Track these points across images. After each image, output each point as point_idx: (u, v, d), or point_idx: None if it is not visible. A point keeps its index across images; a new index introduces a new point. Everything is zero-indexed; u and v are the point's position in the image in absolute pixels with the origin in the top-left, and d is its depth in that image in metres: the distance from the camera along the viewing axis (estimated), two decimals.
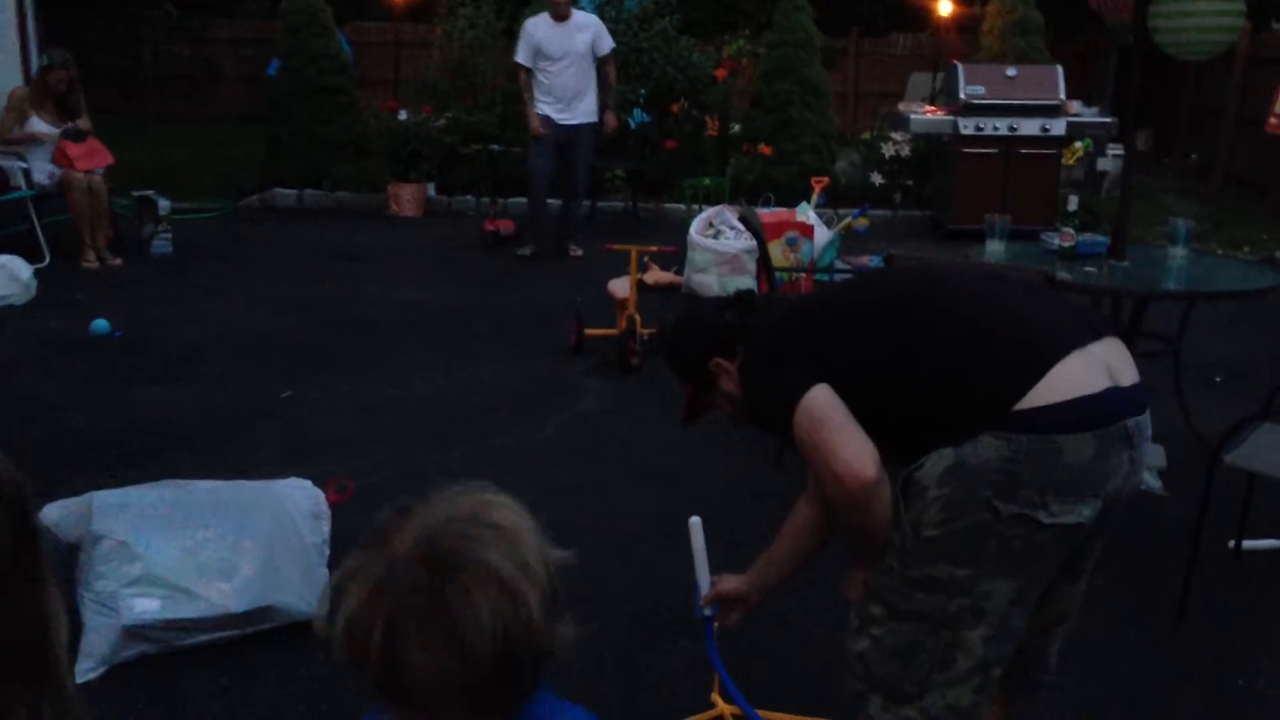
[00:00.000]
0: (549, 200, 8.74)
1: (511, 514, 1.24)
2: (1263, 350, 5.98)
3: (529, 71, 8.36)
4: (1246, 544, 3.89)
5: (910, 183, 10.62)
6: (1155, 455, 4.66)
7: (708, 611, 2.86)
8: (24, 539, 1.14)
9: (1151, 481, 4.28)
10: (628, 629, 3.45)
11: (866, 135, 11.56)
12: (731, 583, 2.62)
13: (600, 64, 8.48)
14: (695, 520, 2.86)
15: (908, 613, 2.20)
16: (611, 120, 8.58)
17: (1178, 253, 4.57)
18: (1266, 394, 3.86)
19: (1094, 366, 2.09)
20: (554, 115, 8.33)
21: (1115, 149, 11.88)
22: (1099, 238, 4.67)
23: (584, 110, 8.40)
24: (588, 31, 8.36)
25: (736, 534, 3.86)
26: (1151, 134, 15.37)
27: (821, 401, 2.15)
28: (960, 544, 2.11)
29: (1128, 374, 2.16)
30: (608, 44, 8.49)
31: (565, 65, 8.25)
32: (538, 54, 8.27)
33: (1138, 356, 4.68)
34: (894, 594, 2.21)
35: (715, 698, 2.99)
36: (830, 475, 2.11)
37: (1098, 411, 2.06)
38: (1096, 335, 2.15)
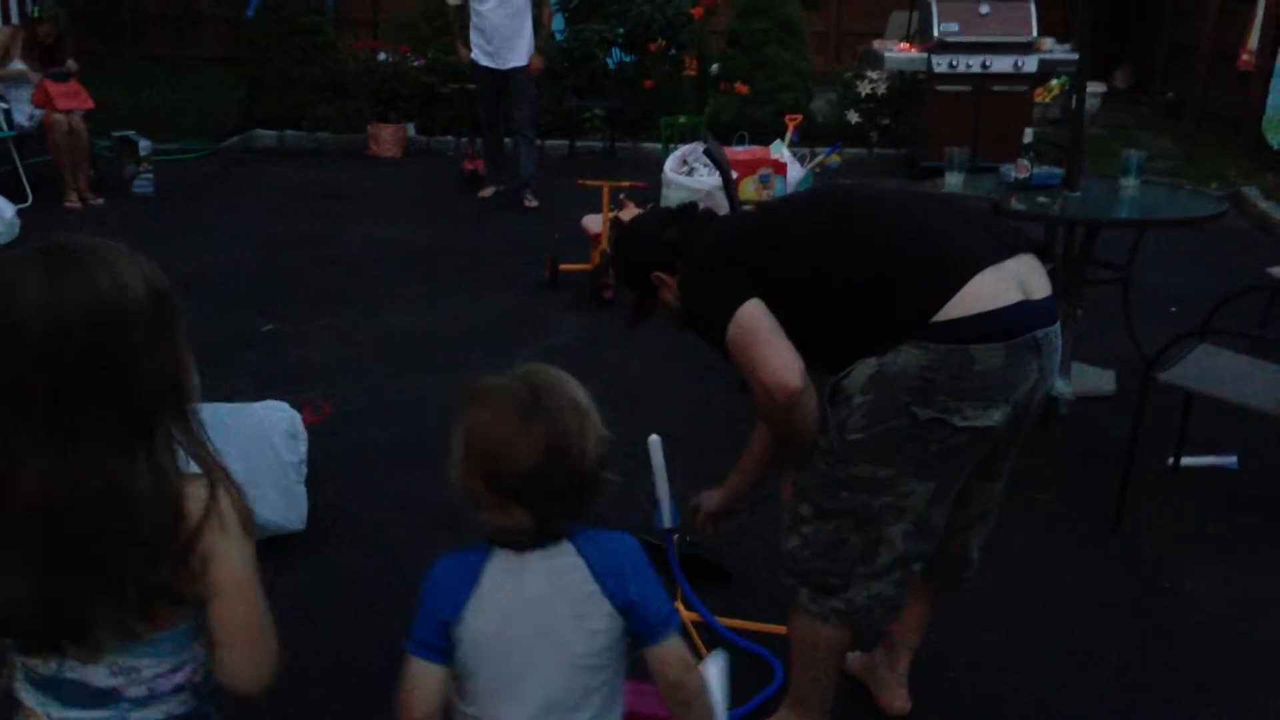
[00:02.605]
0: (506, 141, 8.81)
1: (577, 384, 1.68)
2: (1219, 284, 6.12)
3: (458, 9, 8.38)
4: (1184, 460, 4.08)
5: (886, 121, 10.69)
6: (1105, 379, 4.85)
7: (668, 524, 3.03)
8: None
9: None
10: None
11: (847, 75, 11.62)
12: (714, 498, 2.92)
13: (536, 5, 8.45)
14: (654, 439, 3.02)
15: (834, 510, 2.37)
16: (537, 63, 8.46)
17: (1129, 183, 4.70)
18: (1204, 314, 4.02)
19: (1007, 281, 2.24)
20: (487, 59, 8.29)
21: (1092, 86, 11.97)
22: (1055, 170, 4.80)
23: (518, 54, 8.32)
24: None
25: (705, 454, 4.04)
26: (1131, 71, 15.41)
27: (751, 316, 2.29)
28: (882, 446, 2.27)
29: (1039, 288, 2.31)
30: None
31: (495, 5, 8.14)
32: None
33: (1090, 284, 4.87)
34: (821, 493, 2.38)
35: (678, 605, 3.15)
36: (759, 386, 2.27)
37: (1008, 323, 2.21)
38: (1010, 251, 2.30)
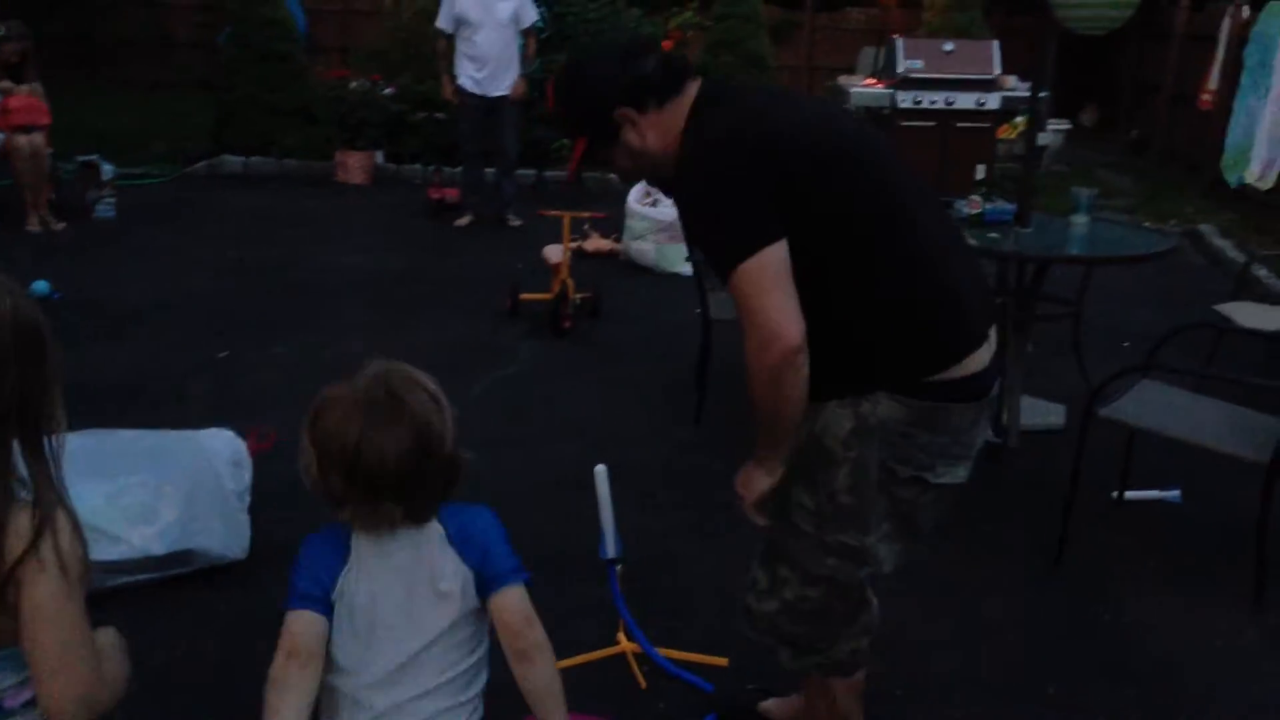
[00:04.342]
0: (487, 171, 8.85)
1: (419, 371, 1.75)
2: (1173, 319, 6.18)
3: (448, 39, 8.47)
4: (1128, 494, 4.11)
5: None
6: (1054, 413, 4.89)
7: (611, 553, 3.04)
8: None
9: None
10: (531, 569, 3.60)
11: None
12: (759, 478, 2.31)
13: (522, 34, 8.57)
14: (600, 468, 3.03)
15: (819, 578, 2.31)
16: (519, 88, 8.57)
17: (1079, 220, 4.75)
18: (1147, 351, 4.06)
19: (990, 349, 2.25)
20: (475, 86, 8.40)
21: (1056, 124, 12.11)
22: (1006, 205, 4.84)
23: (508, 81, 8.46)
24: (511, 1, 8.44)
25: (655, 485, 4.04)
26: (1096, 109, 15.63)
27: (773, 261, 2.04)
28: (866, 508, 2.24)
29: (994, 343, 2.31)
30: (530, 16, 8.59)
31: (487, 32, 8.28)
32: (460, 20, 8.35)
33: (1039, 319, 4.90)
34: (808, 557, 2.31)
35: (620, 637, 3.15)
36: (754, 333, 2.06)
37: (983, 385, 2.23)
38: (993, 320, 2.30)
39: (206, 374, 5.29)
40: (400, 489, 1.65)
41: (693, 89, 2.26)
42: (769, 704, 2.90)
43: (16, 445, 1.48)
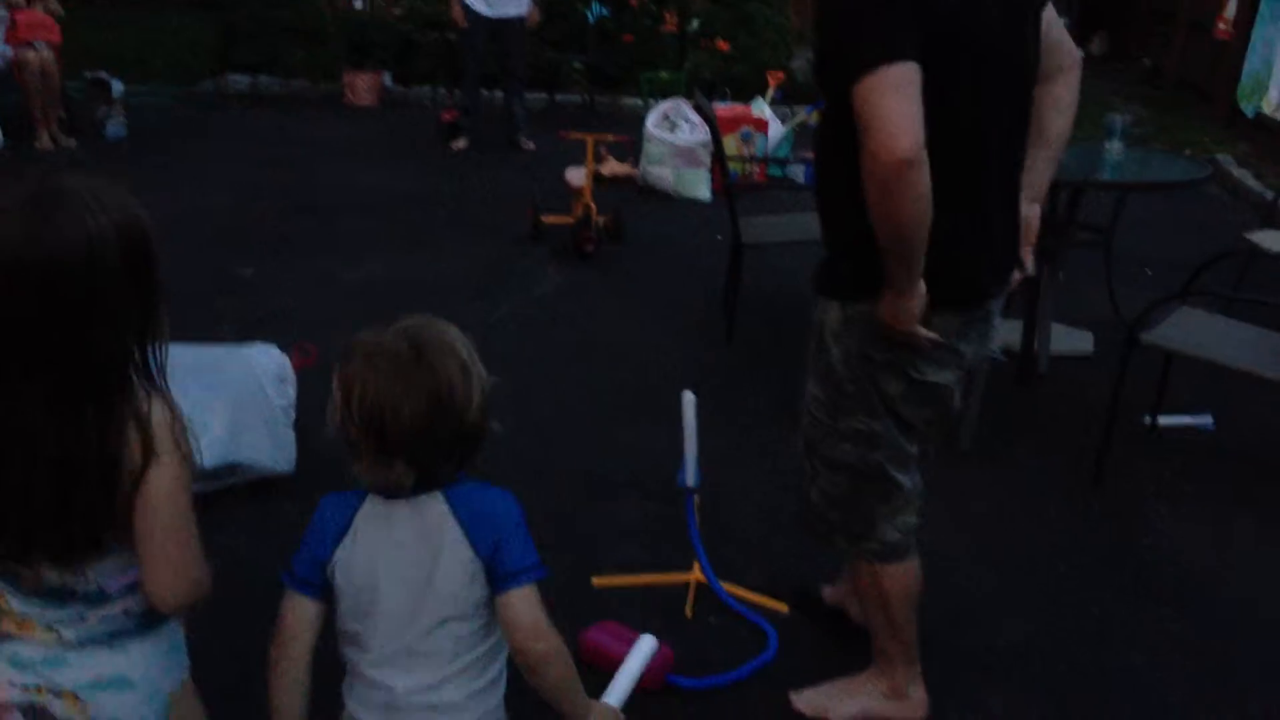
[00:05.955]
0: (497, 93, 8.76)
1: (458, 332, 1.67)
2: (1192, 247, 6.19)
3: None
4: (1162, 420, 4.14)
5: None
6: (1083, 340, 4.90)
7: (690, 483, 3.04)
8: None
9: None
10: (573, 490, 3.64)
11: None
12: (1028, 210, 2.46)
13: None
14: (689, 395, 3.00)
15: (840, 463, 2.43)
16: (535, 15, 8.50)
17: (1113, 146, 4.72)
18: (1187, 277, 4.07)
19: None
20: (486, 8, 8.28)
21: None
22: None
23: (515, 4, 8.35)
24: None
25: (676, 406, 4.05)
26: (1107, 37, 15.45)
27: (904, 74, 1.99)
28: (869, 396, 2.34)
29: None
30: None
31: None
32: None
33: (1072, 247, 4.89)
34: (826, 445, 2.44)
35: (695, 568, 3.12)
36: (870, 141, 2.01)
37: (971, 294, 2.33)
38: (1005, 278, 2.42)
39: (232, 293, 5.28)
40: (412, 449, 1.58)
41: None
42: (826, 590, 3.03)
43: (138, 368, 1.52)
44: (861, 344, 2.30)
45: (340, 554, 1.67)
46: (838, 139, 2.17)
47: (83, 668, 1.57)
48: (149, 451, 1.49)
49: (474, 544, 1.63)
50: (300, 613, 1.69)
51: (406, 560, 1.65)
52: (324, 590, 1.69)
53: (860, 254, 2.20)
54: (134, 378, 1.51)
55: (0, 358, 1.44)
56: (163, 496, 1.51)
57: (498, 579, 1.64)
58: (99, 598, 1.57)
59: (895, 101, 1.97)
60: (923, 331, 2.22)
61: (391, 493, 1.64)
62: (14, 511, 1.48)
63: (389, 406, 1.56)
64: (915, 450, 2.45)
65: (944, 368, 2.33)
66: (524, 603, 1.63)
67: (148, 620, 1.62)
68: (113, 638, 1.59)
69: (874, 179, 2.02)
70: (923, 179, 2.01)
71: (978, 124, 2.20)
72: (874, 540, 2.48)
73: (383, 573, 1.66)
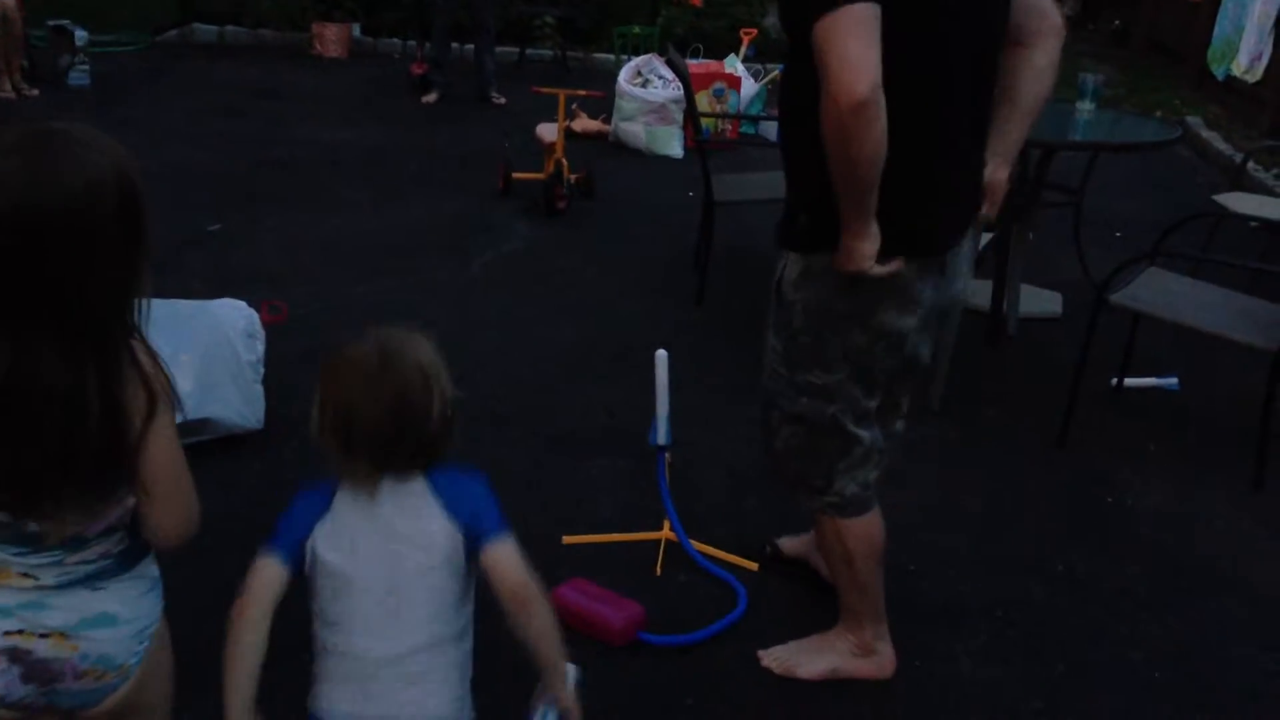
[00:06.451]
0: (467, 47, 8.67)
1: (430, 347, 1.74)
2: (1163, 209, 6.24)
3: None
4: (1128, 381, 4.18)
5: None
6: (1052, 301, 4.94)
7: (662, 440, 3.05)
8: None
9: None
10: (545, 448, 3.64)
11: None
12: (996, 171, 2.49)
13: None
14: (661, 353, 3.00)
15: (796, 416, 2.46)
16: None
17: (1084, 107, 4.74)
18: (1156, 239, 4.10)
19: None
20: None
21: None
22: None
23: None
24: None
25: (649, 365, 4.05)
26: None
27: (860, 15, 1.99)
28: (826, 347, 2.36)
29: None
30: None
31: None
32: None
33: (1042, 207, 4.91)
34: (784, 398, 2.46)
35: (664, 526, 3.12)
36: (828, 82, 2.02)
37: (928, 242, 2.32)
38: (964, 230, 2.42)
39: (200, 247, 5.21)
40: (373, 452, 1.68)
41: None
42: (784, 541, 3.08)
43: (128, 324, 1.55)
44: (820, 296, 2.31)
45: (319, 530, 1.71)
46: (800, 88, 2.17)
47: (67, 609, 1.58)
48: (153, 398, 1.53)
49: (453, 514, 1.70)
50: (268, 574, 1.71)
51: (385, 538, 1.70)
52: (296, 562, 1.72)
53: (821, 206, 2.20)
54: (133, 325, 1.54)
55: (3, 301, 1.44)
56: (166, 441, 1.56)
57: (480, 537, 1.70)
58: (78, 543, 1.58)
59: (854, 41, 1.99)
60: (877, 268, 2.22)
61: (362, 490, 1.71)
62: (24, 459, 1.49)
63: (352, 411, 1.67)
64: (874, 404, 2.45)
65: (904, 313, 2.32)
66: (508, 551, 1.71)
67: (125, 560, 1.63)
68: (92, 579, 1.60)
69: (830, 118, 2.04)
70: (880, 119, 2.02)
71: (936, 72, 2.20)
72: (832, 494, 2.50)
73: (361, 549, 1.70)
